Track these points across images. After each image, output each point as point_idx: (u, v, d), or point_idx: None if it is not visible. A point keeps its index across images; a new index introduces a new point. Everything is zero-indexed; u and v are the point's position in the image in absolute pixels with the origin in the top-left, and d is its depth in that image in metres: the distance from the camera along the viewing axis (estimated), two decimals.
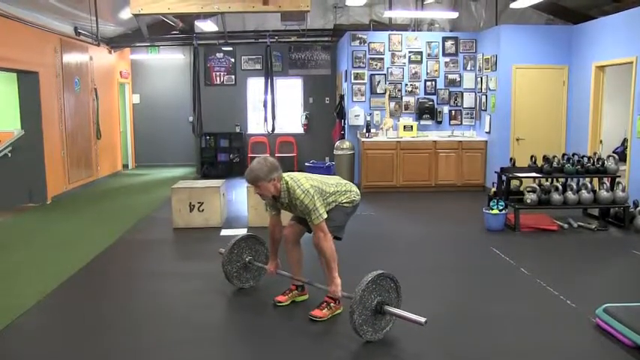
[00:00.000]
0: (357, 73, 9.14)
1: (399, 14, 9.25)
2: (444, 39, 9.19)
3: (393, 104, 9.19)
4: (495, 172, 6.77)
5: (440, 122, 9.29)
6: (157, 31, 9.54)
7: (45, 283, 4.43)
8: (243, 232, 5.70)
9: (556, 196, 6.19)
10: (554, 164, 6.42)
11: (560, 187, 6.30)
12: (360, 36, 9.12)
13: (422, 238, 6.03)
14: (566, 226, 6.21)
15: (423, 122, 9.17)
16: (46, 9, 7.37)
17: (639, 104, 6.62)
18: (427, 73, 9.23)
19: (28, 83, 7.61)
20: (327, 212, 3.60)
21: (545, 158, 6.53)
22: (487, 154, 8.83)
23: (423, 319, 3.06)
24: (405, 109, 9.25)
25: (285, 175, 3.63)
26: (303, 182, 3.57)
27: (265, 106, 7.86)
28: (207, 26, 9.20)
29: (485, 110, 8.88)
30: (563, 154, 6.67)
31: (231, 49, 11.14)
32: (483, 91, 8.92)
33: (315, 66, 11.36)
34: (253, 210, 6.38)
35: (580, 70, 8.03)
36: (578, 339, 3.40)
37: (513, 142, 8.43)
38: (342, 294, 3.54)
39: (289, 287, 3.99)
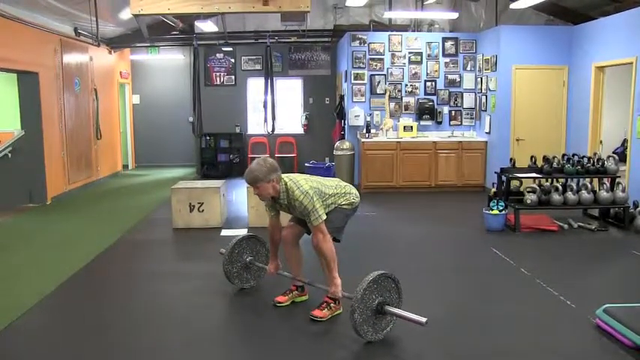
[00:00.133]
0: (357, 74, 9.15)
1: (398, 15, 9.25)
2: (444, 39, 9.20)
3: (393, 105, 9.20)
4: (495, 172, 6.77)
5: (440, 123, 9.29)
6: (156, 31, 9.53)
7: (45, 283, 4.43)
8: (243, 232, 5.71)
9: (556, 197, 6.19)
10: (554, 165, 6.42)
11: (560, 187, 6.30)
12: (360, 36, 9.13)
13: (422, 238, 6.03)
14: (566, 226, 6.21)
15: (422, 123, 9.17)
16: (46, 9, 7.37)
17: (639, 105, 6.62)
18: (427, 74, 9.23)
19: (28, 84, 7.61)
20: (327, 214, 3.60)
21: (545, 159, 6.53)
22: (487, 155, 8.83)
23: (423, 319, 3.07)
24: (405, 110, 9.26)
25: (284, 176, 3.63)
26: (302, 183, 3.57)
27: (265, 106, 7.86)
28: (207, 26, 9.21)
29: (485, 111, 8.88)
30: (563, 155, 6.67)
31: (231, 49, 11.14)
32: (483, 91, 8.92)
33: (315, 66, 11.37)
34: (253, 210, 6.38)
35: (580, 71, 8.04)
36: (578, 339, 3.40)
37: (513, 142, 8.43)
38: (342, 294, 3.54)
39: (289, 288, 3.99)
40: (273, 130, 7.88)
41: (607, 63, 7.39)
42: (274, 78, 8.04)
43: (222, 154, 11.18)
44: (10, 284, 4.52)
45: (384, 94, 9.13)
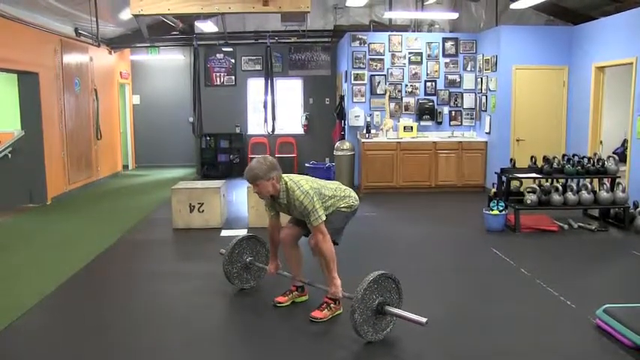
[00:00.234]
0: (357, 74, 9.15)
1: (399, 15, 9.25)
2: (444, 40, 9.20)
3: (393, 105, 9.19)
4: (495, 172, 6.77)
5: (440, 123, 9.29)
6: (157, 31, 9.54)
7: (45, 283, 4.43)
8: (243, 232, 5.71)
9: (556, 197, 6.19)
10: (555, 165, 6.42)
11: (560, 187, 6.30)
12: (360, 37, 9.13)
13: (422, 238, 6.03)
14: (566, 226, 6.21)
15: (423, 123, 9.17)
16: (47, 10, 7.37)
17: (639, 105, 6.62)
18: (427, 74, 9.23)
19: (28, 84, 7.62)
20: (326, 216, 3.60)
21: (545, 159, 6.53)
22: (487, 155, 8.83)
23: (423, 320, 3.07)
24: (405, 110, 9.26)
25: (284, 176, 3.63)
26: (302, 184, 3.58)
27: (265, 106, 7.86)
28: (207, 27, 9.21)
29: (486, 111, 8.88)
30: (563, 155, 6.67)
31: (231, 49, 11.14)
32: (483, 91, 8.92)
33: (315, 67, 11.37)
34: (253, 210, 6.38)
35: (580, 71, 8.04)
36: (578, 339, 3.40)
37: (513, 142, 8.43)
38: (342, 294, 3.54)
39: (289, 288, 3.99)
40: (273, 130, 7.88)
41: (607, 63, 7.39)
42: (274, 78, 8.04)
43: (222, 154, 11.19)
44: (10, 284, 4.52)
45: (384, 94, 9.13)
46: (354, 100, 9.22)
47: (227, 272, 4.16)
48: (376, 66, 9.14)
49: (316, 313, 3.63)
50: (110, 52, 10.60)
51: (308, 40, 10.32)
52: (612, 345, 3.25)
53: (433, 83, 9.25)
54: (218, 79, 11.39)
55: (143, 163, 12.18)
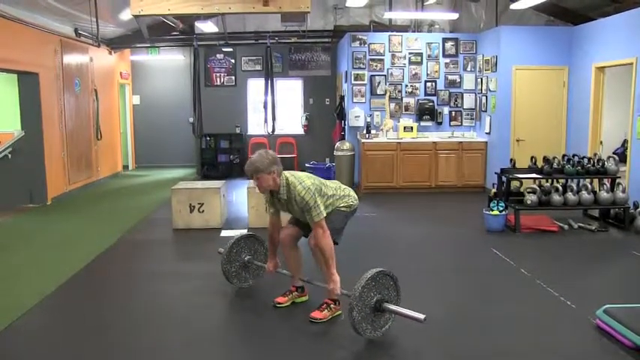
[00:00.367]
0: (357, 74, 9.15)
1: (399, 15, 9.25)
2: (444, 40, 9.20)
3: (393, 105, 9.20)
4: (495, 173, 6.77)
5: (440, 123, 9.29)
6: (157, 32, 9.54)
7: (45, 283, 4.43)
8: (243, 232, 5.70)
9: (556, 197, 6.19)
10: (555, 165, 6.42)
11: (560, 188, 6.30)
12: (360, 37, 9.13)
13: (422, 239, 6.03)
14: (566, 227, 6.21)
15: (423, 123, 9.17)
16: (47, 10, 7.37)
17: (639, 105, 6.62)
18: (427, 74, 9.23)
19: (28, 84, 7.62)
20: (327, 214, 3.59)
21: (546, 159, 6.53)
22: (487, 155, 8.83)
23: (422, 316, 3.07)
24: (405, 110, 9.26)
25: (285, 172, 3.64)
26: (304, 179, 3.58)
27: (265, 107, 7.86)
28: (207, 27, 9.21)
29: (486, 111, 8.88)
30: (564, 155, 6.67)
31: (231, 50, 11.15)
32: (483, 92, 8.92)
33: (316, 67, 11.38)
34: (253, 211, 6.38)
35: (580, 71, 8.04)
36: (578, 340, 3.40)
37: (513, 143, 8.43)
38: (341, 291, 3.53)
39: (289, 288, 3.98)
40: (273, 130, 7.88)
41: (607, 63, 7.40)
42: (274, 78, 8.04)
43: (222, 154, 11.19)
44: (10, 284, 4.52)
45: (385, 94, 9.13)
46: (354, 101, 9.22)
47: (225, 271, 4.15)
48: (376, 66, 9.14)
49: (316, 314, 3.63)
50: (110, 53, 10.61)
51: (308, 40, 10.32)
52: (612, 345, 3.25)
53: (433, 83, 9.25)
54: (218, 79, 11.40)
55: (143, 164, 12.18)
